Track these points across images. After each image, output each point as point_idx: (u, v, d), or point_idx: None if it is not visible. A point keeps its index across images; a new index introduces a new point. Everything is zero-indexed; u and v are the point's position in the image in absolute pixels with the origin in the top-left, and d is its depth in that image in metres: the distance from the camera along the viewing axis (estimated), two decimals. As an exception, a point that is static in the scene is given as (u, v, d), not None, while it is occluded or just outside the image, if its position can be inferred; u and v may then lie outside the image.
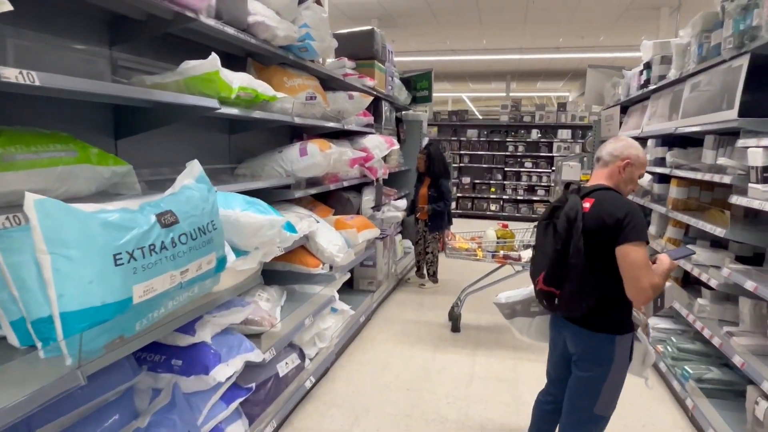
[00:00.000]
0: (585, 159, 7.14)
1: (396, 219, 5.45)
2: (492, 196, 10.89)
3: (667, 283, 2.06)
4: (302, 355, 2.88)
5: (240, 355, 2.16)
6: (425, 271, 5.50)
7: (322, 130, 4.10)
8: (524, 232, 4.26)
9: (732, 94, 2.63)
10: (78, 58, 2.07)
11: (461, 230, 4.82)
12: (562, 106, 10.47)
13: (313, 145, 3.19)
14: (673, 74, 3.57)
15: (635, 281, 1.69)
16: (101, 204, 1.41)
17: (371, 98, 4.19)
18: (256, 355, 2.22)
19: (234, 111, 2.43)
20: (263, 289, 2.87)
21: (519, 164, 10.85)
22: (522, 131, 10.79)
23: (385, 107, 5.48)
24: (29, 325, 1.32)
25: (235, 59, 3.11)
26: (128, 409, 1.86)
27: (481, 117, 12.44)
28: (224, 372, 1.98)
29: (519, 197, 10.78)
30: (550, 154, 10.58)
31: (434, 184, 5.09)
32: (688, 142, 3.80)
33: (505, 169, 10.91)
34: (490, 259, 3.99)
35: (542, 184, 10.68)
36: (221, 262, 1.79)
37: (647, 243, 1.76)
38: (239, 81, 2.35)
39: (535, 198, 10.66)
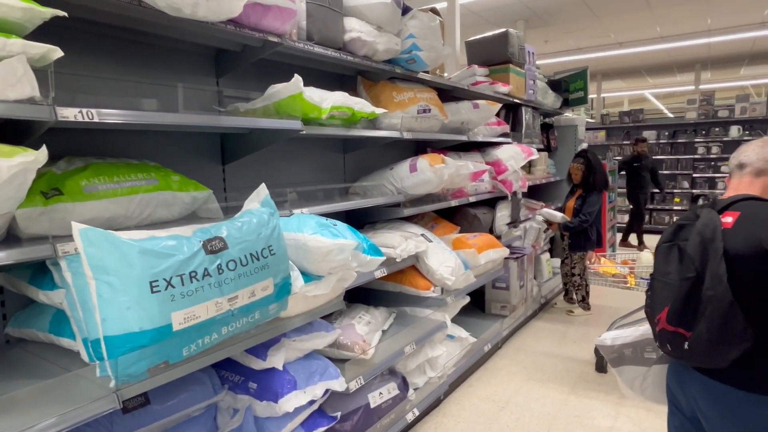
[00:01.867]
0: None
1: (538, 233, 4.92)
2: (676, 208, 9.23)
3: None
4: (405, 385, 2.70)
5: (322, 383, 2.08)
6: (573, 296, 4.84)
7: (446, 143, 3.90)
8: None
9: None
10: (190, 93, 2.27)
11: (628, 249, 4.12)
12: (774, 94, 8.40)
13: (423, 161, 3.02)
14: None
15: None
16: (153, 231, 1.46)
17: (498, 106, 3.85)
18: (339, 384, 2.13)
19: (328, 131, 2.41)
20: (366, 311, 2.78)
21: (713, 168, 9.01)
22: (716, 129, 8.96)
23: (527, 114, 5.02)
24: (89, 344, 1.42)
25: (347, 79, 3.14)
26: (207, 427, 1.92)
27: (672, 115, 10.59)
28: (297, 400, 1.92)
29: (713, 208, 8.92)
30: (758, 155, 8.54)
31: (583, 197, 4.44)
32: None
33: (694, 175, 9.16)
34: (645, 287, 3.29)
35: (747, 191, 8.68)
36: (283, 288, 1.73)
37: None
38: (331, 101, 2.32)
39: (736, 209, 8.70)
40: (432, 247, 3.07)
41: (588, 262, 3.44)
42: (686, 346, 1.37)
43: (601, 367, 3.46)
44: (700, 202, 1.73)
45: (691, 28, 7.33)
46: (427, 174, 2.98)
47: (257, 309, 1.66)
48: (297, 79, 2.08)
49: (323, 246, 1.84)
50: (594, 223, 4.42)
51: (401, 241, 2.83)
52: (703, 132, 9.07)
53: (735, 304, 1.27)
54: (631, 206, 7.83)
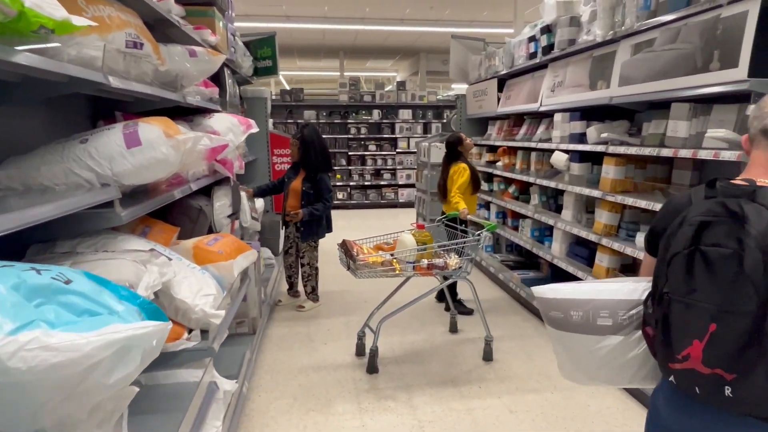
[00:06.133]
0: (450, 139, 6.70)
1: (257, 228, 4.15)
2: (339, 184, 10.01)
3: None
4: None
5: None
6: (300, 288, 4.34)
7: (152, 105, 2.61)
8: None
9: (731, 49, 2.13)
10: None
11: (346, 233, 3.81)
12: (401, 84, 10.06)
13: (152, 128, 1.82)
14: (599, 36, 3.07)
15: None
16: None
17: (222, 57, 2.83)
18: None
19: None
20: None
21: (363, 147, 10.16)
22: (363, 111, 10.09)
23: (229, 78, 4.08)
24: None
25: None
26: None
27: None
28: None
29: (366, 183, 10.12)
30: (393, 136, 10.13)
31: (311, 178, 3.93)
32: (607, 114, 3.42)
33: (349, 153, 10.12)
34: (411, 271, 3.09)
35: (387, 167, 10.19)
36: None
37: None
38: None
39: (382, 182, 10.12)
40: (175, 269, 1.91)
41: (353, 253, 2.95)
42: (728, 393, 1.01)
43: (372, 368, 3.08)
44: (719, 185, 1.43)
45: (352, 13, 7.80)
46: (162, 150, 1.81)
47: None
48: None
49: (78, 357, 0.62)
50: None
51: (138, 271, 1.59)
52: (354, 114, 10.07)
53: None
54: None
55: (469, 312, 3.97)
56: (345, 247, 3.09)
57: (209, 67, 2.74)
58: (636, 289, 1.30)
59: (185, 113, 3.21)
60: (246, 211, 3.71)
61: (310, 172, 3.92)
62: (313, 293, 4.22)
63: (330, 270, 4.83)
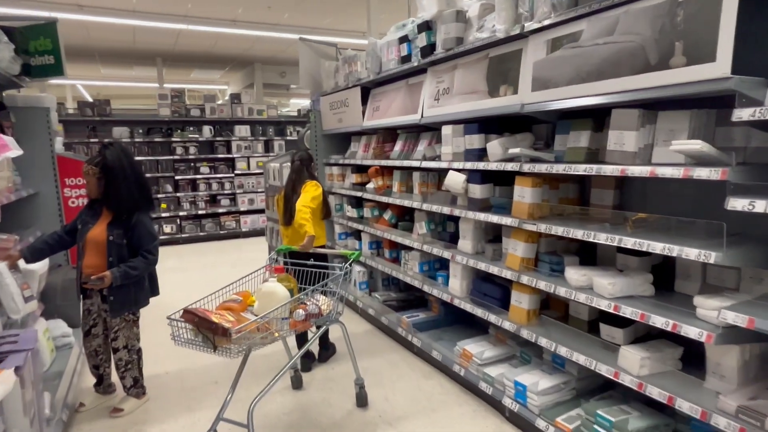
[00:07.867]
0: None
1: (33, 309, 2.70)
2: (165, 215, 8.29)
3: None
4: None
5: None
6: (116, 379, 2.98)
7: None
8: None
9: (701, 39, 1.68)
10: None
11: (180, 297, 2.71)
12: (236, 97, 8.81)
13: None
14: (501, 30, 2.53)
15: None
16: None
17: None
18: None
19: None
20: None
21: (194, 170, 8.62)
22: (190, 128, 8.58)
23: (-33, 72, 2.60)
24: None
25: None
26: None
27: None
28: None
29: (200, 212, 8.58)
30: (230, 156, 8.81)
31: (121, 222, 2.64)
32: (503, 126, 2.92)
33: (176, 177, 8.49)
34: (287, 329, 2.18)
35: (225, 192, 8.80)
36: None
37: None
38: None
39: (220, 210, 8.69)
40: None
41: (217, 322, 1.85)
42: None
43: None
44: None
45: (171, 9, 6.36)
46: None
47: None
48: None
49: None
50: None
51: None
52: (180, 130, 8.49)
53: None
54: None
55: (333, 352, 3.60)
56: (196, 320, 1.99)
57: None
58: None
59: None
60: (13, 294, 2.30)
61: (120, 212, 2.63)
62: (135, 386, 2.91)
63: (156, 339, 3.50)
